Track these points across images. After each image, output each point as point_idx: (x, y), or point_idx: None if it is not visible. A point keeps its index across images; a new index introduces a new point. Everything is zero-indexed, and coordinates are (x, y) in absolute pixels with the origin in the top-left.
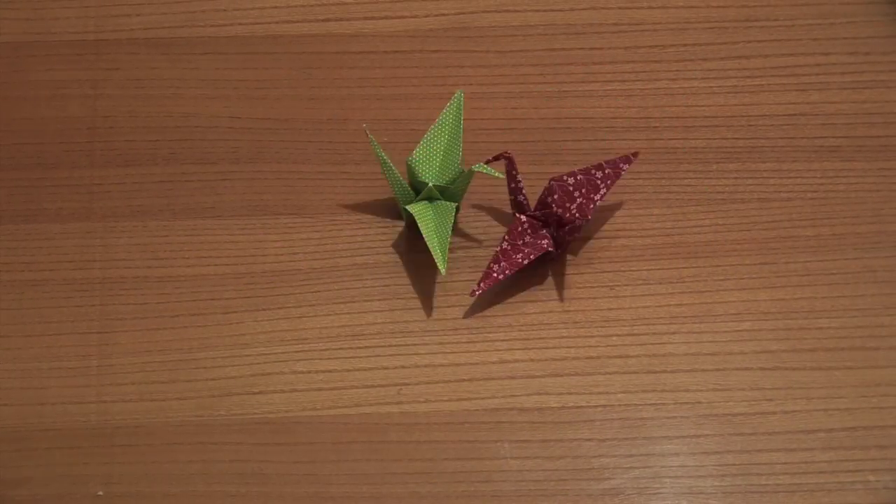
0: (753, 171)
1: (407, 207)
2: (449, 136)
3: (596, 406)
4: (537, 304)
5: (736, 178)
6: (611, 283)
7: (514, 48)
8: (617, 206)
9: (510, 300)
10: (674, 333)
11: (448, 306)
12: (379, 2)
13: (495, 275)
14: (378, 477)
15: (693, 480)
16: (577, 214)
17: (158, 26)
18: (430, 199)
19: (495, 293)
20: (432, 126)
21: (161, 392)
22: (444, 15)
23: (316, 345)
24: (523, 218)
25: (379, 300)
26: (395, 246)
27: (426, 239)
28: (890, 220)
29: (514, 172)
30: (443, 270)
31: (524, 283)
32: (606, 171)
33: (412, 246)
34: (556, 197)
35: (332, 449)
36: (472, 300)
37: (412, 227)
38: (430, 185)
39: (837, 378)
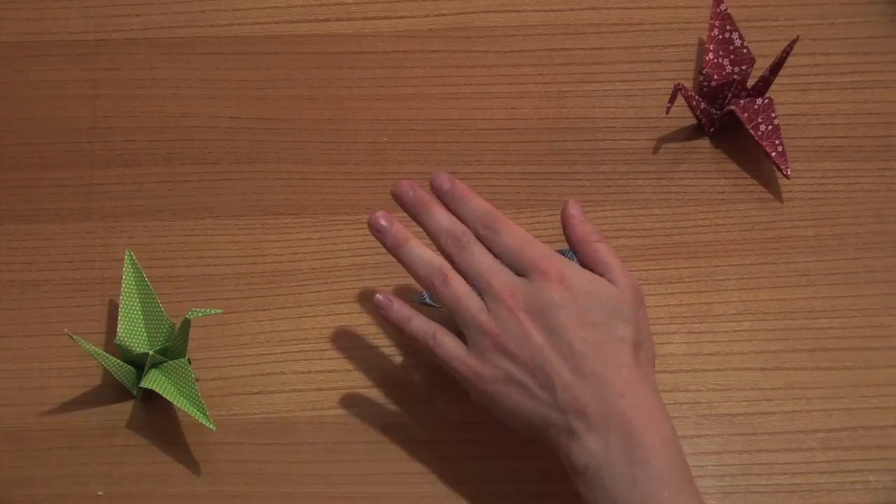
0: (753, 172)
1: (141, 386)
2: (140, 298)
3: None
4: None
5: (735, 178)
6: None
7: (513, 48)
8: (617, 206)
9: None
10: (673, 333)
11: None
12: (379, 2)
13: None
14: (378, 477)
15: None
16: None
17: (158, 26)
18: (156, 365)
19: None
20: (120, 298)
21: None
22: (443, 15)
23: (316, 345)
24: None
25: None
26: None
27: (176, 403)
28: (890, 221)
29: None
30: (212, 427)
31: None
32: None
33: None
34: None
35: (332, 449)
36: None
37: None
38: (150, 353)
39: (837, 378)
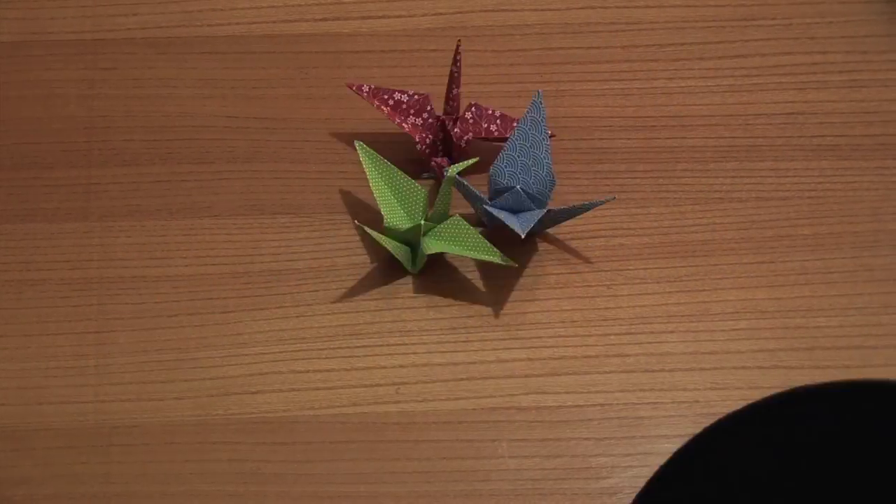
0: (751, 170)
1: (427, 254)
2: (385, 180)
3: (594, 405)
4: (535, 304)
5: (733, 176)
6: (608, 283)
7: (510, 47)
8: (614, 204)
9: (508, 299)
10: (671, 332)
11: (446, 305)
12: (376, 1)
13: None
14: (376, 476)
15: None
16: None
17: (155, 26)
18: (427, 232)
19: (494, 292)
20: (371, 188)
21: (159, 392)
22: (440, 14)
23: (314, 344)
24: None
25: (377, 299)
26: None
27: (467, 255)
28: (888, 219)
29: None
30: (513, 264)
31: (522, 282)
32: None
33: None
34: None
35: (331, 448)
36: (470, 299)
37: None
38: (421, 222)
39: (835, 377)
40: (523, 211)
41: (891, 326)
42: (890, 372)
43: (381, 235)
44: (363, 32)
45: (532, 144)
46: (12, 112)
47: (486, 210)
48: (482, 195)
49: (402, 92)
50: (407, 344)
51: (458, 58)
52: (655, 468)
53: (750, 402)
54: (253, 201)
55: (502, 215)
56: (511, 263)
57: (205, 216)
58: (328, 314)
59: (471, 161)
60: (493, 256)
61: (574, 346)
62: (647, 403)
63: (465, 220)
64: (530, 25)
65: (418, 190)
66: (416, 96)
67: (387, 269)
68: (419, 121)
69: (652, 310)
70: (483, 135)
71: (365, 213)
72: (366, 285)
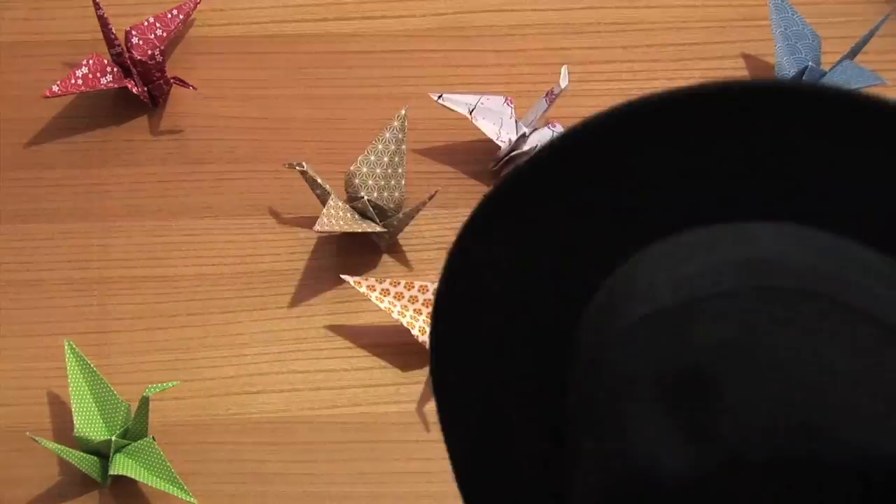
0: None
1: (111, 474)
2: (89, 386)
3: None
4: None
5: None
6: None
7: (511, 47)
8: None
9: None
10: None
11: None
12: (376, 1)
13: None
14: (376, 476)
15: None
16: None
17: None
18: (120, 449)
19: None
20: (69, 391)
21: (158, 392)
22: (441, 14)
23: (314, 344)
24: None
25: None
26: (392, 245)
27: (150, 483)
28: None
29: None
30: (193, 501)
31: None
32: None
33: (410, 246)
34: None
35: (331, 448)
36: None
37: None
38: (113, 438)
39: None
40: (822, 77)
41: None
42: None
43: (61, 447)
44: (363, 33)
45: (786, 25)
46: (13, 112)
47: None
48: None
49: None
50: (406, 343)
51: None
52: None
53: None
54: (253, 201)
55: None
56: (189, 498)
57: (205, 216)
58: (328, 314)
59: (170, 384)
60: (176, 489)
61: None
62: None
63: (157, 446)
64: (530, 25)
65: (120, 404)
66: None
67: (387, 269)
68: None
69: None
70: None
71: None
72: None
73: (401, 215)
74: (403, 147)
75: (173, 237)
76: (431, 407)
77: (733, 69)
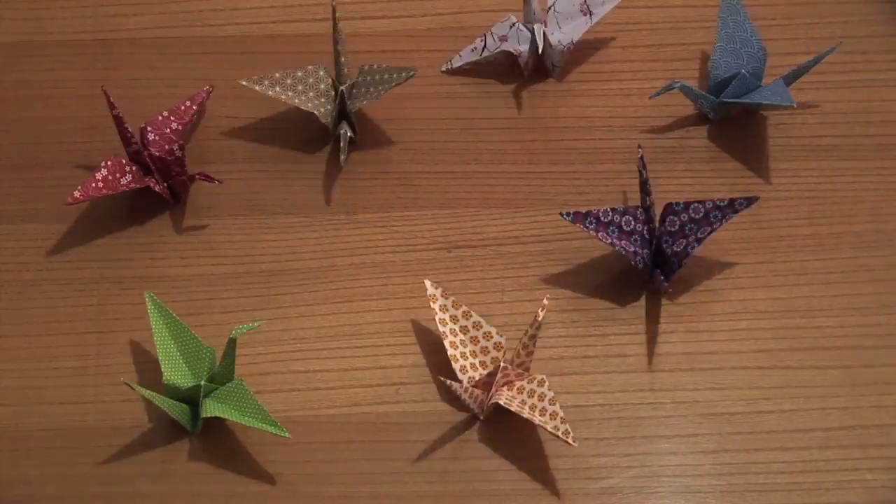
0: (750, 170)
1: (202, 417)
2: (172, 335)
3: (594, 405)
4: (534, 304)
5: (734, 177)
6: (608, 283)
7: None
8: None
9: (507, 300)
10: (671, 332)
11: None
12: (376, 1)
13: None
14: (376, 476)
15: (691, 479)
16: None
17: (156, 26)
18: (209, 394)
19: (493, 292)
20: (154, 340)
21: (159, 392)
22: (440, 14)
23: (314, 344)
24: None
25: (376, 299)
26: (392, 246)
27: (243, 423)
28: (887, 219)
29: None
30: (286, 435)
31: (521, 281)
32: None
33: (410, 245)
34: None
35: (330, 448)
36: (469, 299)
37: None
38: (202, 384)
39: (835, 377)
40: (752, 91)
41: (890, 326)
42: (891, 372)
43: (154, 394)
44: (363, 33)
45: (735, 28)
46: (13, 112)
47: (722, 103)
48: (705, 94)
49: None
50: (406, 344)
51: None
52: (655, 468)
53: (750, 402)
54: (253, 201)
55: (749, 99)
56: (283, 434)
57: (205, 216)
58: (328, 314)
59: (255, 324)
60: (270, 426)
61: (574, 346)
62: (647, 404)
63: (246, 387)
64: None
65: (205, 349)
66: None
67: (387, 270)
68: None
69: (652, 310)
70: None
71: (368, 209)
72: (365, 285)
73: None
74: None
75: (174, 237)
76: (432, 407)
77: None
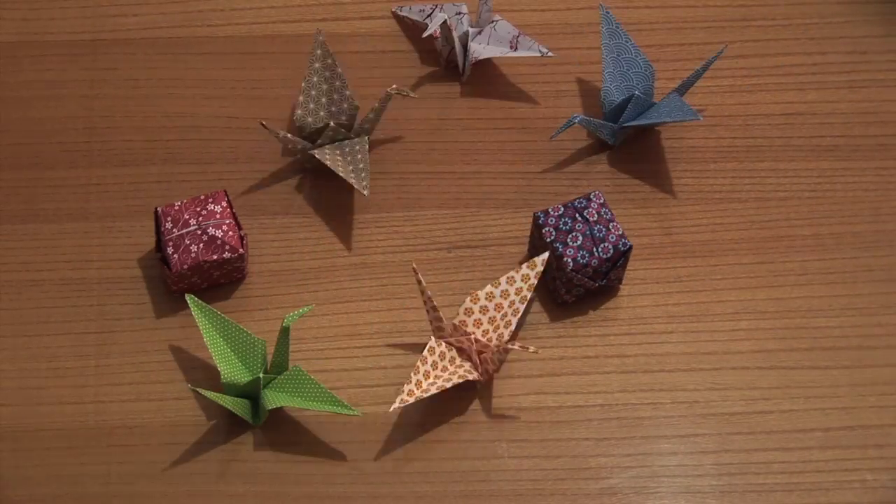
0: (751, 170)
1: (268, 409)
2: (221, 333)
3: (594, 405)
4: (534, 304)
5: (733, 177)
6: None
7: None
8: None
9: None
10: (671, 333)
11: (445, 306)
12: (376, 1)
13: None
14: (376, 476)
15: (691, 479)
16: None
17: (155, 26)
18: (267, 385)
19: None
20: (205, 341)
21: (159, 392)
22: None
23: (313, 344)
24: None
25: (376, 300)
26: (392, 246)
27: (310, 408)
28: (887, 220)
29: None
30: (356, 413)
31: None
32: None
33: (410, 246)
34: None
35: (329, 448)
36: (469, 298)
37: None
38: (260, 375)
39: (835, 377)
40: (648, 109)
41: (890, 327)
42: (890, 372)
43: (217, 395)
44: (362, 33)
45: (619, 51)
46: (12, 112)
47: (620, 129)
48: (604, 122)
49: None
50: (406, 344)
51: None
52: (655, 468)
53: (750, 402)
54: (253, 202)
55: (648, 119)
56: (352, 412)
57: None
58: (328, 314)
59: (306, 309)
60: (336, 407)
61: (574, 347)
62: (647, 404)
63: (305, 372)
64: (531, 26)
65: (256, 342)
66: None
67: (387, 270)
68: None
69: (651, 310)
70: None
71: (368, 210)
72: (365, 286)
73: (370, 115)
74: (336, 68)
75: None
76: (431, 407)
77: (733, 69)
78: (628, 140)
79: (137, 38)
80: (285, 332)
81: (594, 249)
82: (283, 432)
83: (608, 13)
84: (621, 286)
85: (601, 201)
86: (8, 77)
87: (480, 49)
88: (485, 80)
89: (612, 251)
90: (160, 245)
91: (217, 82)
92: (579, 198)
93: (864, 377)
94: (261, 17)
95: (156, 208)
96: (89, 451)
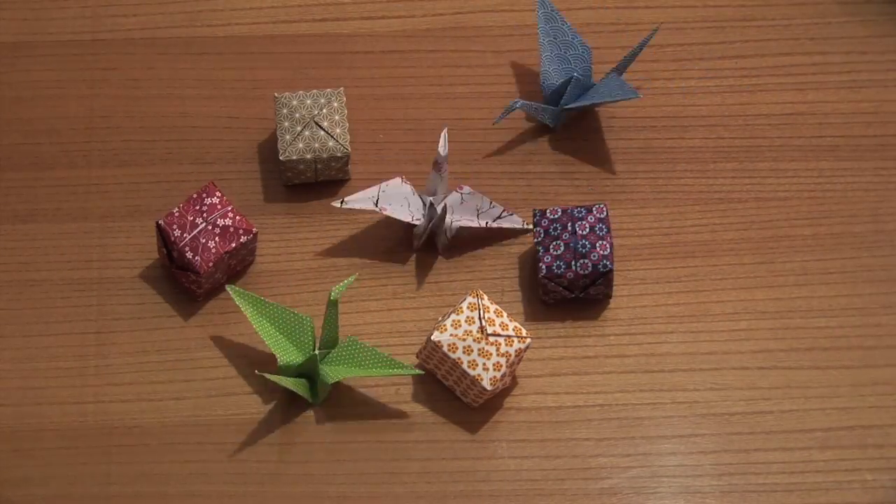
0: (750, 171)
1: (329, 383)
2: (268, 318)
3: (593, 405)
4: (534, 304)
5: (733, 177)
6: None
7: (510, 48)
8: (614, 205)
9: (507, 300)
10: (671, 333)
11: (445, 306)
12: (375, 2)
13: None
14: (376, 476)
15: (690, 480)
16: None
17: (155, 26)
18: (325, 359)
19: (493, 292)
20: (254, 328)
21: (159, 392)
22: (440, 15)
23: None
24: None
25: (376, 300)
26: (392, 246)
27: (371, 375)
28: (887, 220)
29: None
30: (418, 373)
31: (522, 281)
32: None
33: (410, 246)
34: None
35: (329, 448)
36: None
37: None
38: (315, 352)
39: (834, 377)
40: (588, 90)
41: (890, 327)
42: (890, 372)
43: (280, 377)
44: (362, 33)
45: (555, 34)
46: (12, 112)
47: (562, 111)
48: (545, 106)
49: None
50: (406, 344)
51: None
52: (655, 468)
53: (750, 402)
54: (252, 202)
55: (589, 101)
56: (415, 372)
57: None
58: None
59: (350, 279)
60: (398, 369)
61: (573, 347)
62: (647, 404)
63: (360, 341)
64: (529, 26)
65: (304, 320)
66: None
67: (387, 270)
68: None
69: (651, 310)
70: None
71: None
72: (365, 286)
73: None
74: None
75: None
76: (431, 407)
77: (733, 70)
78: (569, 122)
79: (137, 38)
80: (333, 305)
81: (573, 263)
82: (280, 433)
83: None
84: (612, 295)
85: (602, 215)
86: (7, 77)
87: (452, 217)
88: (482, 82)
89: (590, 269)
90: (171, 257)
91: (216, 82)
92: (581, 206)
93: (864, 377)
94: (260, 17)
95: (157, 222)
96: (89, 451)
